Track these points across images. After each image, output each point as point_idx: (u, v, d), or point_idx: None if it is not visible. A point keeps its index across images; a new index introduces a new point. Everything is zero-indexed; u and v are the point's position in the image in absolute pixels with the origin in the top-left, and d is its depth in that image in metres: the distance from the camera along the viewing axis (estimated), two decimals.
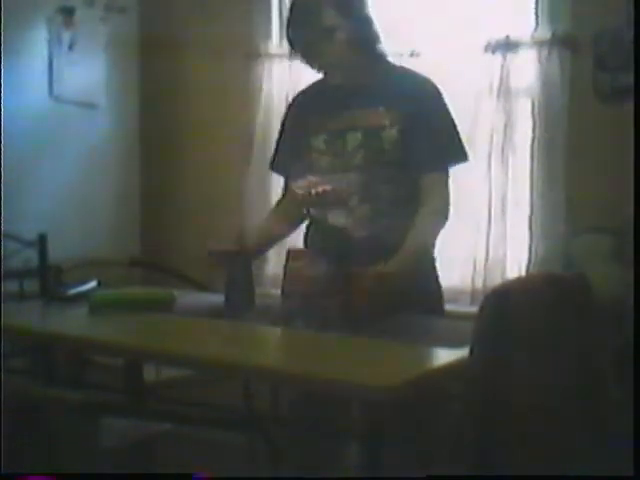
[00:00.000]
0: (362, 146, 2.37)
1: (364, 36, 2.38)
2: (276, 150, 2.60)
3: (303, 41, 2.38)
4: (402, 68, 2.49)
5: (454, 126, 2.42)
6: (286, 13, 3.74)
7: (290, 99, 3.61)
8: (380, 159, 2.36)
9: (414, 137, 2.34)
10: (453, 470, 1.70)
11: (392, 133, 2.34)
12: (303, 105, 2.55)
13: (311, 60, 2.42)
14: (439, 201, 2.37)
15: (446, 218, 2.40)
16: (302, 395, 2.41)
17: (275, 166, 2.62)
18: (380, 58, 2.44)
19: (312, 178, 2.40)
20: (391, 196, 2.36)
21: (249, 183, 3.78)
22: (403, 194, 2.37)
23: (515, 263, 3.31)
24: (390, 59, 2.48)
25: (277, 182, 3.70)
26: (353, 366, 1.85)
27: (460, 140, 2.43)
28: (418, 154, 2.34)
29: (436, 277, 2.47)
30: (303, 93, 2.59)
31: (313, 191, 2.41)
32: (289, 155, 2.52)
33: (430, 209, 2.34)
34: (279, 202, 2.61)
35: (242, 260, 2.43)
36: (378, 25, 2.42)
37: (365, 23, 2.39)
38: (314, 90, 2.52)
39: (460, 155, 2.44)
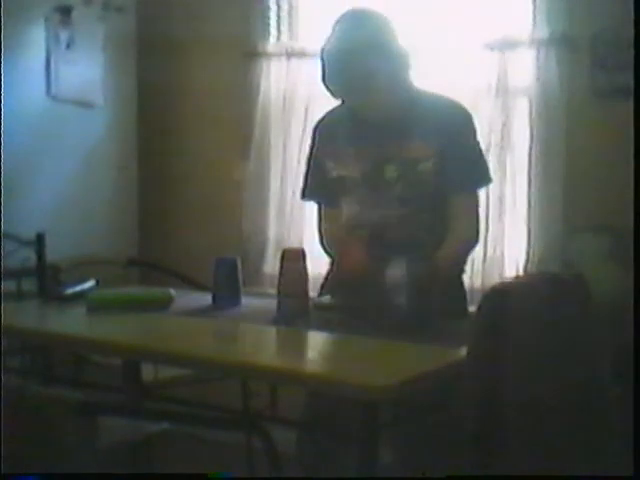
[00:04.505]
0: (399, 179, 2.39)
1: (401, 71, 2.39)
2: (306, 178, 2.61)
3: (343, 87, 2.37)
4: (432, 95, 2.48)
5: (480, 151, 2.48)
6: (283, 13, 3.83)
7: (288, 97, 3.68)
8: (418, 191, 2.39)
9: (446, 167, 2.37)
10: (453, 470, 1.70)
11: (428, 166, 2.36)
12: (332, 133, 2.53)
13: (349, 100, 2.43)
14: (466, 226, 2.42)
15: (474, 241, 2.49)
16: (301, 395, 2.41)
17: (308, 194, 2.62)
18: (411, 87, 2.44)
19: (356, 173, 2.43)
20: (428, 227, 2.40)
21: (248, 182, 3.78)
22: (439, 224, 2.40)
23: (513, 262, 3.32)
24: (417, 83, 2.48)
25: (275, 182, 3.73)
26: (352, 366, 1.85)
27: (485, 164, 2.49)
28: (448, 182, 2.38)
29: (459, 289, 2.53)
30: (329, 120, 2.57)
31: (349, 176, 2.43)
32: (321, 184, 2.53)
33: (457, 236, 2.39)
34: (322, 228, 2.61)
35: (229, 260, 2.45)
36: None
37: (402, 58, 2.38)
38: (342, 118, 2.50)
39: (484, 179, 2.51)
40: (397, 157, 2.38)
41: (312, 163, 2.58)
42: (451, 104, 2.46)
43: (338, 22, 2.39)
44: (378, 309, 2.15)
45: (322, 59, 2.38)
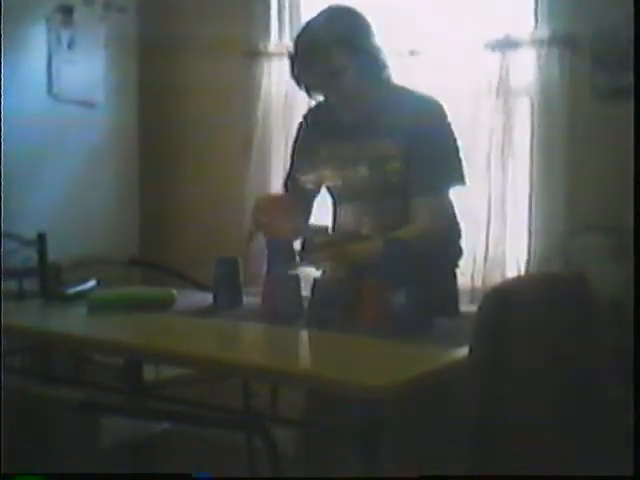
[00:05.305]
0: (369, 177, 2.39)
1: (373, 69, 2.37)
2: (290, 169, 2.62)
3: (311, 81, 2.37)
4: (407, 93, 2.45)
5: (453, 149, 2.40)
6: (285, 12, 3.84)
7: (290, 97, 3.68)
8: (386, 190, 2.38)
9: (414, 166, 2.34)
10: (453, 470, 1.70)
11: (396, 165, 2.35)
12: (313, 129, 2.55)
13: (319, 95, 2.43)
14: (422, 221, 2.33)
15: (429, 235, 2.32)
16: (302, 395, 2.41)
17: (289, 185, 2.63)
18: (386, 86, 2.43)
19: (323, 172, 2.42)
20: (399, 225, 2.36)
21: (249, 182, 3.79)
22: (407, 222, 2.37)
23: (514, 262, 3.31)
24: (395, 80, 2.46)
25: (277, 181, 3.72)
26: (353, 366, 1.85)
27: (454, 165, 2.40)
28: (411, 183, 2.35)
29: (452, 287, 2.48)
30: (312, 115, 2.58)
31: (324, 185, 2.43)
32: (301, 177, 2.53)
33: (408, 227, 2.32)
34: None
35: (231, 260, 2.44)
36: (386, 53, 2.41)
37: (374, 56, 2.37)
38: (323, 114, 2.51)
39: (451, 181, 2.41)
40: (367, 155, 2.38)
41: (294, 157, 2.60)
42: (423, 103, 2.41)
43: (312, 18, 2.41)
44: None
45: (292, 53, 2.39)
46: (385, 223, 2.39)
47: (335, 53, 2.30)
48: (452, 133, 2.41)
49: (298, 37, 2.40)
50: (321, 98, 2.44)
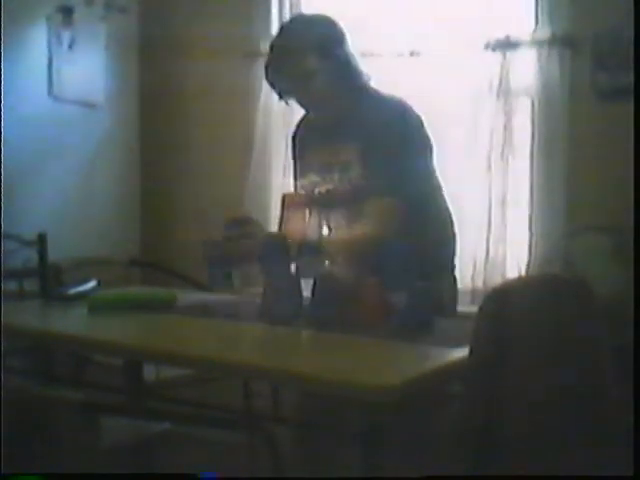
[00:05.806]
0: (340, 182, 2.41)
1: (344, 75, 2.38)
2: (294, 172, 2.65)
3: (283, 84, 2.40)
4: (376, 98, 2.44)
5: (411, 155, 2.36)
6: (285, 12, 3.84)
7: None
8: (353, 196, 2.38)
9: (371, 170, 2.34)
10: (453, 470, 1.70)
11: (359, 170, 2.36)
12: (301, 135, 2.59)
13: (291, 100, 2.46)
14: (371, 227, 2.30)
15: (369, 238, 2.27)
16: (302, 395, 2.41)
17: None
18: (358, 91, 2.43)
19: (314, 178, 2.43)
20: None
21: (249, 182, 3.79)
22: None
23: (515, 263, 3.31)
24: (371, 85, 2.46)
25: (277, 182, 3.73)
26: (353, 366, 1.85)
27: (408, 174, 2.35)
28: (369, 184, 2.35)
29: (452, 287, 2.48)
30: (302, 121, 2.61)
31: (316, 191, 2.44)
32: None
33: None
34: None
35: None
36: (359, 59, 2.43)
37: (345, 62, 2.39)
38: (306, 124, 2.57)
39: (407, 184, 2.35)
40: (339, 161, 2.40)
41: (295, 159, 2.63)
42: (388, 107, 2.39)
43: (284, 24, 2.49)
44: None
45: (267, 56, 2.42)
46: (354, 228, 2.39)
47: (306, 57, 2.33)
48: (416, 138, 2.39)
49: (272, 41, 2.43)
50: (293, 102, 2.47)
